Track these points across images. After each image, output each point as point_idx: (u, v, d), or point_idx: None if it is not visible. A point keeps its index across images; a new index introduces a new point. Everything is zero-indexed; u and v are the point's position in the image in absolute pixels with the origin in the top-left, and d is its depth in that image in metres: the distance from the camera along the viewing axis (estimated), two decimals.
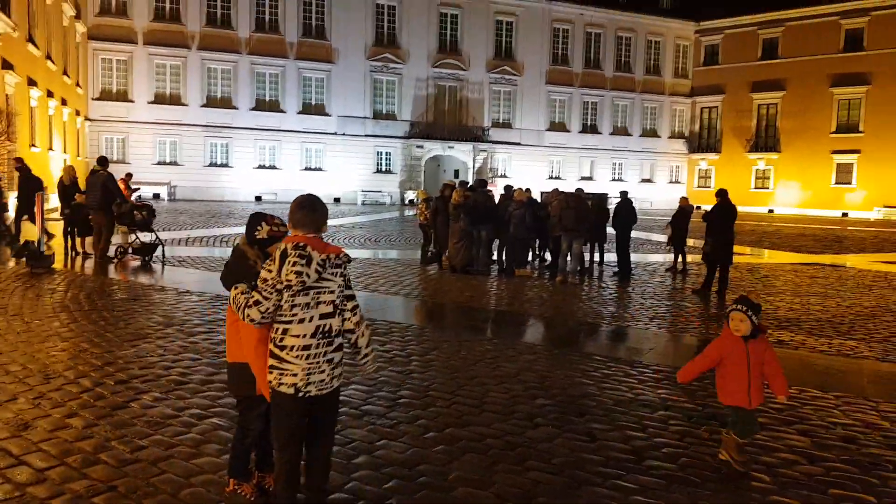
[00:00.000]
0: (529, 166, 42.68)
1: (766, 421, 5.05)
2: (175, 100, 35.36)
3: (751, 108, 45.64)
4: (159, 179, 34.11)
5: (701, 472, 4.16)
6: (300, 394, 3.09)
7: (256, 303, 3.06)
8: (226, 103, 36.23)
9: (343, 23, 37.70)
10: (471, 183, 15.88)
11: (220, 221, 22.30)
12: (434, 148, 40.10)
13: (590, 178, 43.94)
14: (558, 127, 44.39)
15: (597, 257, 14.25)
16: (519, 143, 42.86)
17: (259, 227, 3.38)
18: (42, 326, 7.23)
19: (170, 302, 8.84)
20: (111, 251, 12.51)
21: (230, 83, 36.25)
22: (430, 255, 13.73)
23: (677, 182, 48.29)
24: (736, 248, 11.65)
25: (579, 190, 13.84)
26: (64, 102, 26.85)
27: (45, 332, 6.97)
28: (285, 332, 3.10)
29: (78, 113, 30.82)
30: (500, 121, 42.58)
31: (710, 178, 47.55)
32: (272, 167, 37.22)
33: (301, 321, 3.08)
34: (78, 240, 13.16)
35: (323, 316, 3.13)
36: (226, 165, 36.48)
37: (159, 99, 35.06)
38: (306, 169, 37.74)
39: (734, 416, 4.25)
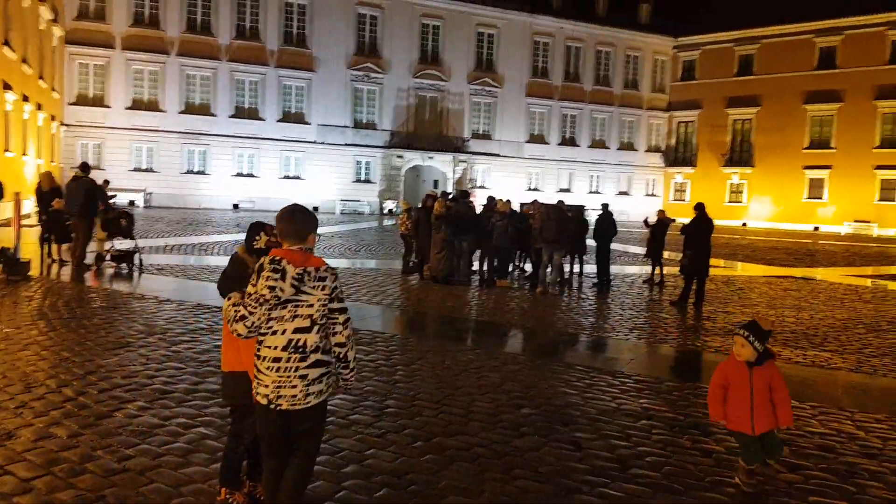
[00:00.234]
0: (509, 178, 42.91)
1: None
2: (153, 106, 34.96)
3: (726, 124, 46.44)
4: (135, 186, 33.64)
5: (684, 481, 4.25)
6: (272, 405, 3.10)
7: (242, 317, 3.08)
8: (204, 110, 35.92)
9: (324, 31, 37.67)
10: (452, 194, 15.96)
11: (197, 229, 22.10)
12: (414, 158, 40.17)
13: (568, 191, 44.28)
14: (537, 139, 44.75)
15: (577, 268, 14.41)
16: (498, 155, 43.11)
17: (257, 238, 3.44)
18: (21, 334, 7.12)
19: (150, 310, 8.76)
20: (89, 258, 12.36)
21: (209, 90, 35.97)
22: (411, 265, 13.78)
23: (653, 195, 48.87)
24: (711, 261, 11.86)
25: (560, 202, 13.99)
26: (39, 107, 26.45)
27: (25, 341, 6.87)
28: (261, 342, 3.14)
29: (53, 118, 30.35)
30: (480, 132, 42.82)
31: (685, 191, 48.24)
32: (250, 175, 36.95)
33: (274, 333, 3.08)
34: (55, 247, 12.96)
35: (297, 330, 3.07)
36: (203, 173, 36.10)
37: (137, 105, 34.64)
38: (285, 177, 37.53)
39: (738, 442, 4.20)
